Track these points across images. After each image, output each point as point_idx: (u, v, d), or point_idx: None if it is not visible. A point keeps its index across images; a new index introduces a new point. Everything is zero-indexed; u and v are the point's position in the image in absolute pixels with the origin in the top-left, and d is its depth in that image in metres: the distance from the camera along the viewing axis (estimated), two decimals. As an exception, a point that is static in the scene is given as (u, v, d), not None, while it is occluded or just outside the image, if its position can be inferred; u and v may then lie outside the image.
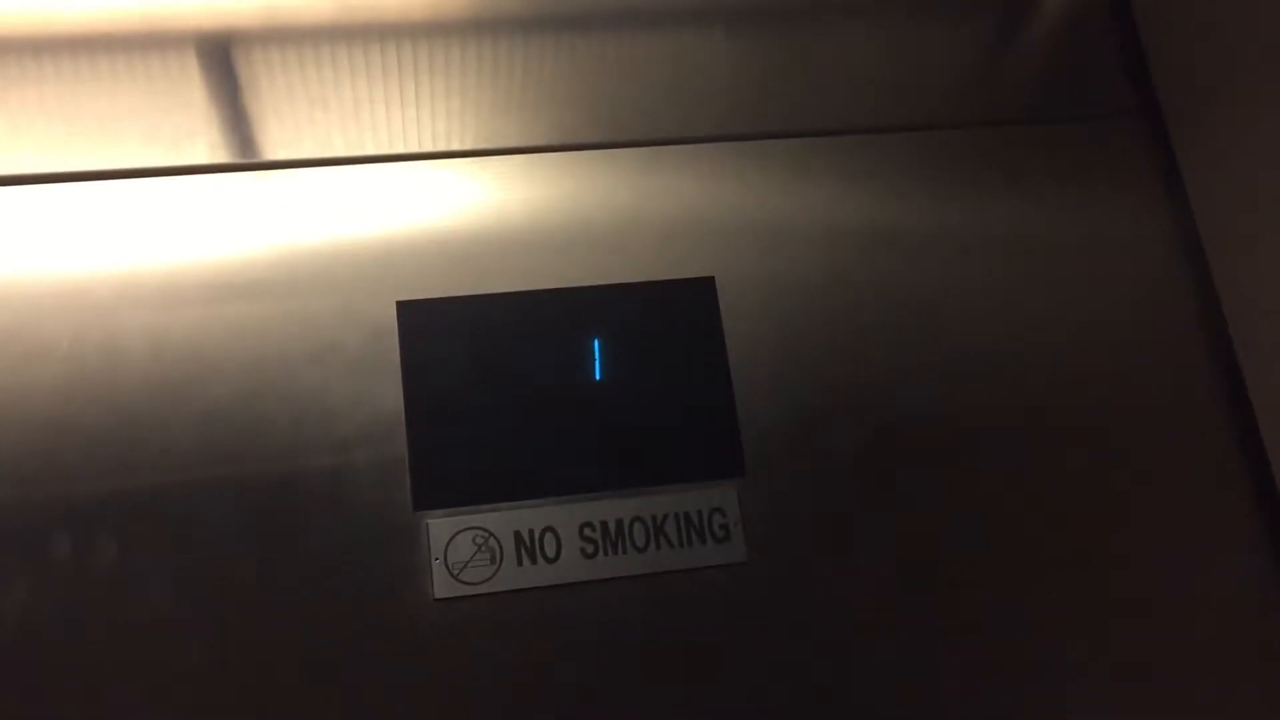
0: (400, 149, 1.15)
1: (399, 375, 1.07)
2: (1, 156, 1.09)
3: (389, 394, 1.07)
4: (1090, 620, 1.10)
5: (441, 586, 1.03)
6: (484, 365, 1.10)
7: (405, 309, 1.10)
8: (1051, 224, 1.21)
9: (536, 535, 1.06)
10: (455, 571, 1.03)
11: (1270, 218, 1.10)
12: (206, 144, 1.13)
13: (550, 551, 1.05)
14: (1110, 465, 1.14)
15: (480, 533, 1.05)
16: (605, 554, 1.06)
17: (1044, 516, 1.12)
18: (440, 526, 1.04)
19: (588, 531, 1.06)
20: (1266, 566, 1.13)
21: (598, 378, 1.11)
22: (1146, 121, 1.25)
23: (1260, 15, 1.11)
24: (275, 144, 1.14)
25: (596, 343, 1.12)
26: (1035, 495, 1.13)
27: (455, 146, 1.16)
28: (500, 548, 1.05)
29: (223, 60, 1.16)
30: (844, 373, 1.13)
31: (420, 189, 1.14)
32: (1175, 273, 1.21)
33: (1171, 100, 1.23)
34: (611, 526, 1.07)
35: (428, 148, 1.16)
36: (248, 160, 1.13)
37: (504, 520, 1.06)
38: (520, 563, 1.05)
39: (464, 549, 1.04)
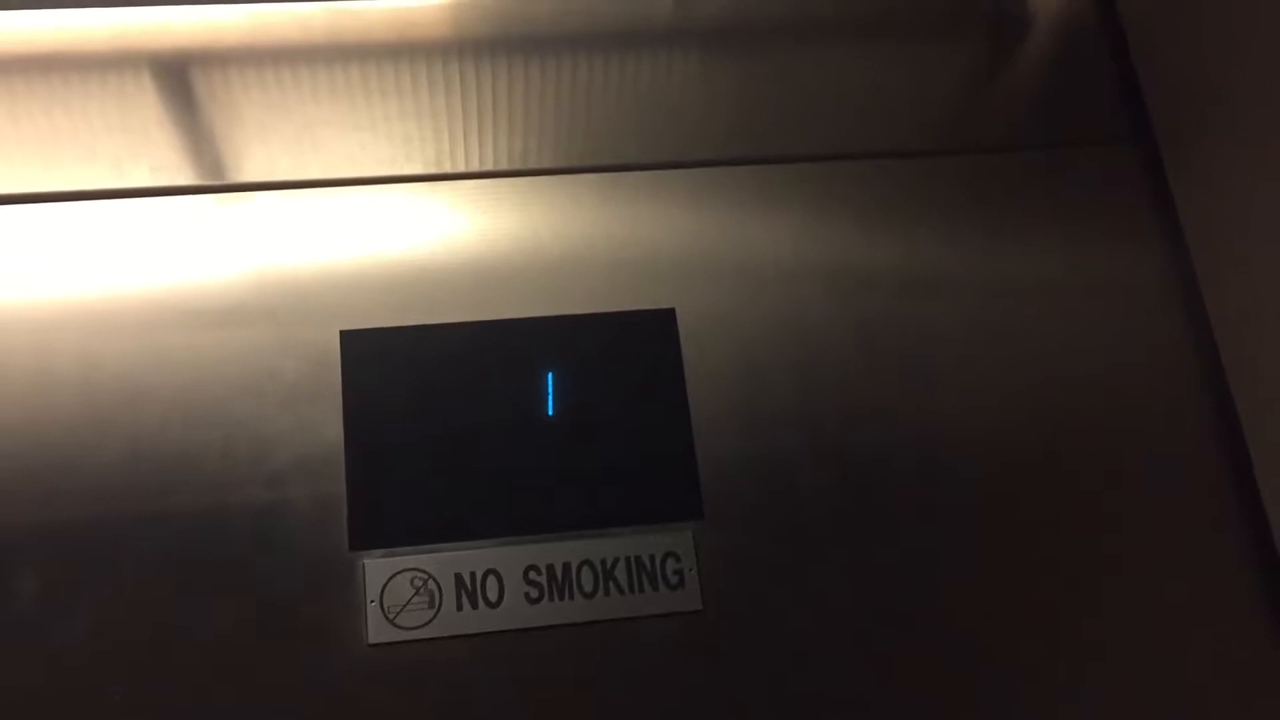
0: (347, 173, 1.11)
1: (339, 407, 1.03)
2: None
3: (328, 426, 1.02)
4: (1062, 664, 1.03)
5: (376, 631, 0.97)
6: (430, 398, 1.04)
7: (349, 338, 1.05)
8: (1036, 255, 1.15)
9: (479, 578, 1.00)
10: (391, 615, 0.98)
11: (1265, 246, 1.04)
12: (149, 166, 1.09)
13: (493, 595, 1.00)
14: (1087, 507, 1.08)
15: (419, 574, 0.99)
16: (550, 599, 1.00)
17: (1012, 560, 1.05)
18: (377, 567, 0.99)
19: (533, 575, 1.01)
20: (1258, 607, 1.06)
21: (550, 413, 1.06)
22: (1139, 148, 1.19)
23: (1254, 43, 1.05)
24: (218, 167, 1.10)
25: (549, 376, 1.06)
26: (1003, 539, 1.06)
27: (404, 171, 1.12)
28: (440, 590, 0.99)
29: (165, 81, 1.13)
30: (808, 412, 1.07)
31: (367, 214, 1.09)
32: (1167, 302, 1.14)
33: (1165, 127, 1.17)
34: (558, 570, 1.01)
35: (375, 172, 1.11)
36: (189, 183, 1.09)
37: (444, 561, 1.00)
38: (460, 607, 0.99)
39: (401, 591, 0.99)
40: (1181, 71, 1.15)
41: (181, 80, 1.12)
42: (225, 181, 1.09)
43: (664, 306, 1.09)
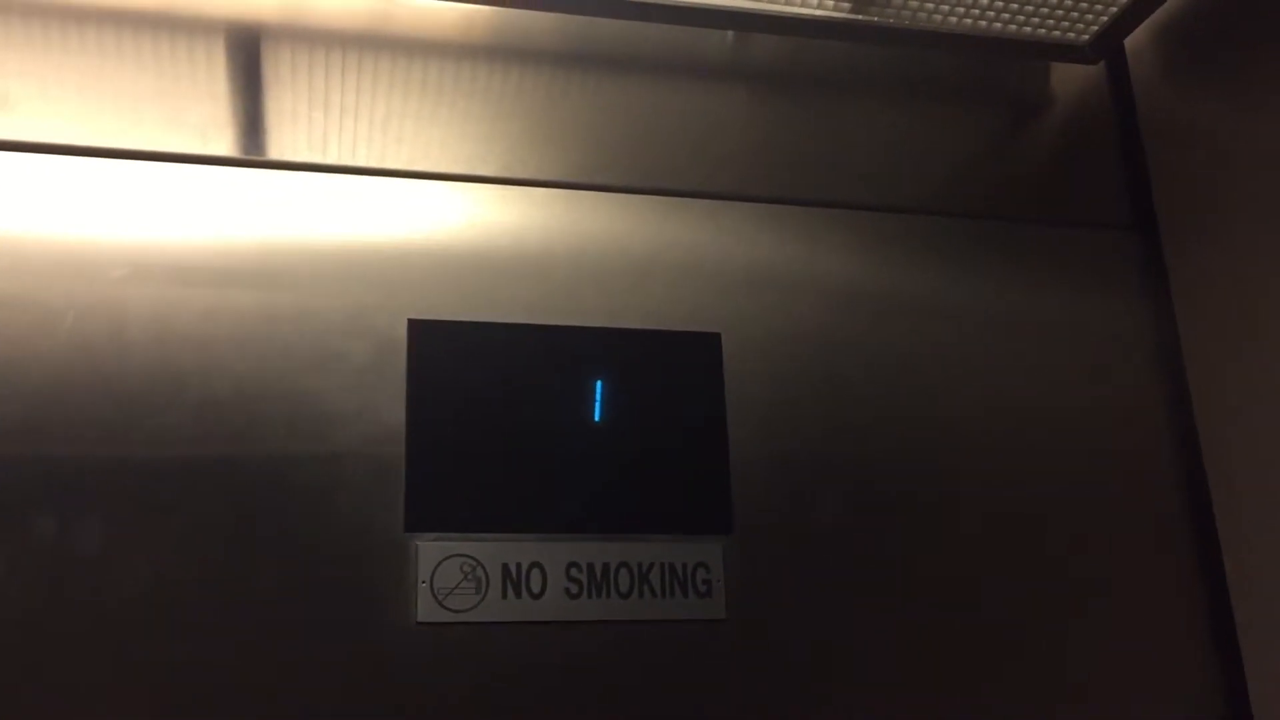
0: (424, 167, 1.15)
1: (402, 392, 1.07)
2: (27, 123, 1.07)
3: (391, 410, 1.06)
4: (1069, 661, 1.14)
5: (426, 610, 1.02)
6: (488, 393, 1.09)
7: (416, 327, 1.09)
8: (1044, 319, 1.26)
9: (524, 569, 1.05)
10: (440, 597, 1.02)
11: (1253, 342, 1.16)
12: (230, 137, 1.11)
13: (536, 587, 1.05)
14: (1082, 533, 1.19)
15: (469, 560, 1.04)
16: (589, 595, 1.06)
17: (1029, 587, 1.15)
18: (430, 550, 1.03)
19: (574, 571, 1.06)
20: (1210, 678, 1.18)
21: (596, 419, 1.11)
22: (1142, 236, 1.30)
23: (1263, 145, 1.16)
24: (300, 147, 1.13)
25: (599, 385, 1.12)
26: (1020, 566, 1.16)
27: (479, 171, 1.16)
28: (487, 577, 1.04)
29: (253, 55, 1.15)
30: (839, 442, 1.16)
31: (442, 208, 1.14)
32: (1153, 380, 1.26)
33: (1169, 220, 1.28)
34: (598, 569, 1.07)
35: (451, 169, 1.16)
36: (270, 158, 1.11)
37: (493, 550, 1.05)
38: (505, 595, 1.04)
39: (451, 575, 1.03)
40: (1192, 171, 1.26)
41: (272, 56, 1.15)
42: (305, 160, 1.12)
43: (711, 330, 1.16)
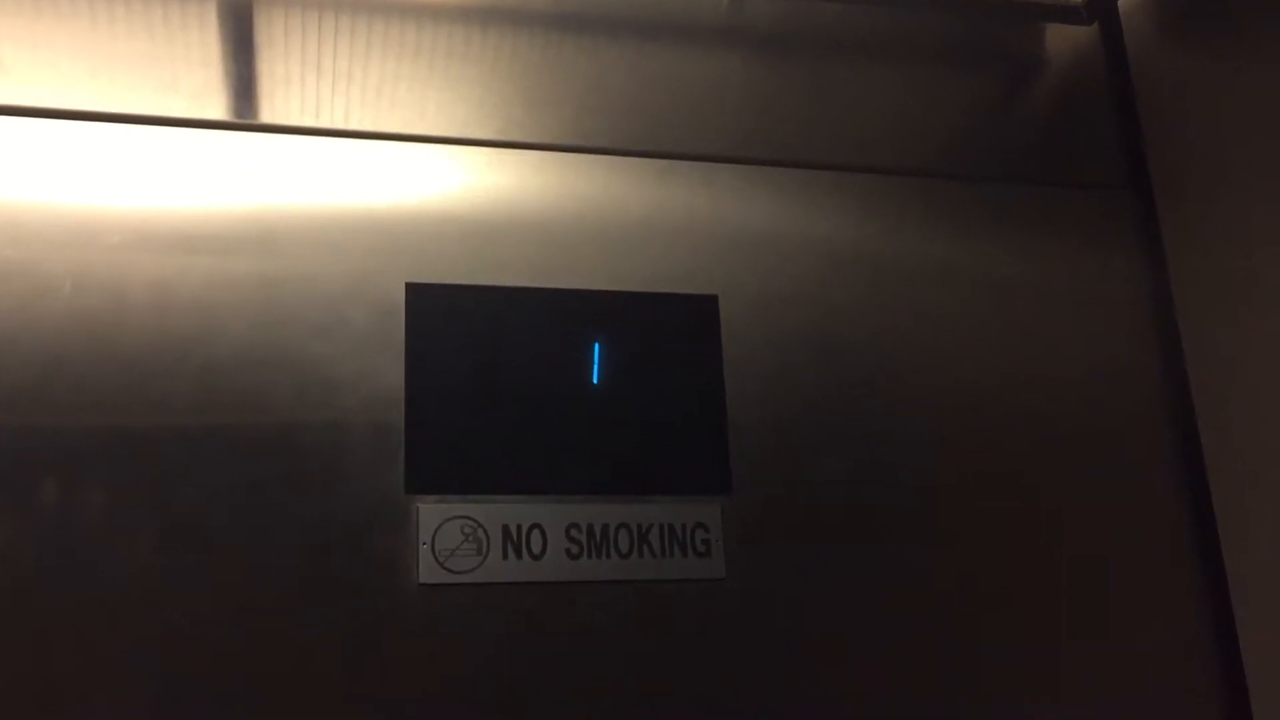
0: (420, 131, 1.15)
1: (402, 356, 1.07)
2: (20, 88, 1.06)
3: (391, 374, 1.06)
4: (1064, 632, 1.15)
5: (427, 572, 1.02)
6: (487, 356, 1.10)
7: (415, 291, 1.09)
8: (1038, 278, 1.26)
9: (524, 531, 1.06)
10: (442, 558, 1.03)
11: (1247, 300, 1.16)
12: (225, 100, 1.11)
13: (536, 548, 1.06)
14: (1079, 495, 1.19)
15: (469, 522, 1.05)
16: (590, 556, 1.06)
17: (1026, 542, 1.16)
18: (431, 512, 1.04)
19: (574, 532, 1.07)
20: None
21: (595, 381, 1.12)
22: (1136, 196, 1.30)
23: (1256, 105, 1.17)
24: (295, 110, 1.12)
25: (597, 347, 1.13)
26: (1016, 526, 1.17)
27: (476, 135, 1.16)
28: (488, 539, 1.05)
29: (246, 19, 1.15)
30: (836, 401, 1.16)
31: (438, 172, 1.14)
32: (1147, 339, 1.26)
33: (1163, 180, 1.28)
34: (597, 530, 1.07)
35: (448, 133, 1.15)
36: (268, 122, 1.11)
37: (493, 512, 1.05)
38: (506, 556, 1.05)
39: (452, 536, 1.04)
40: (1186, 130, 1.26)
41: (265, 20, 1.14)
42: (300, 124, 1.12)
43: (709, 292, 1.16)
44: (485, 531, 1.05)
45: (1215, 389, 1.21)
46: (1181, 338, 1.24)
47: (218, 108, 1.11)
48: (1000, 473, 1.18)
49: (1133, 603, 1.17)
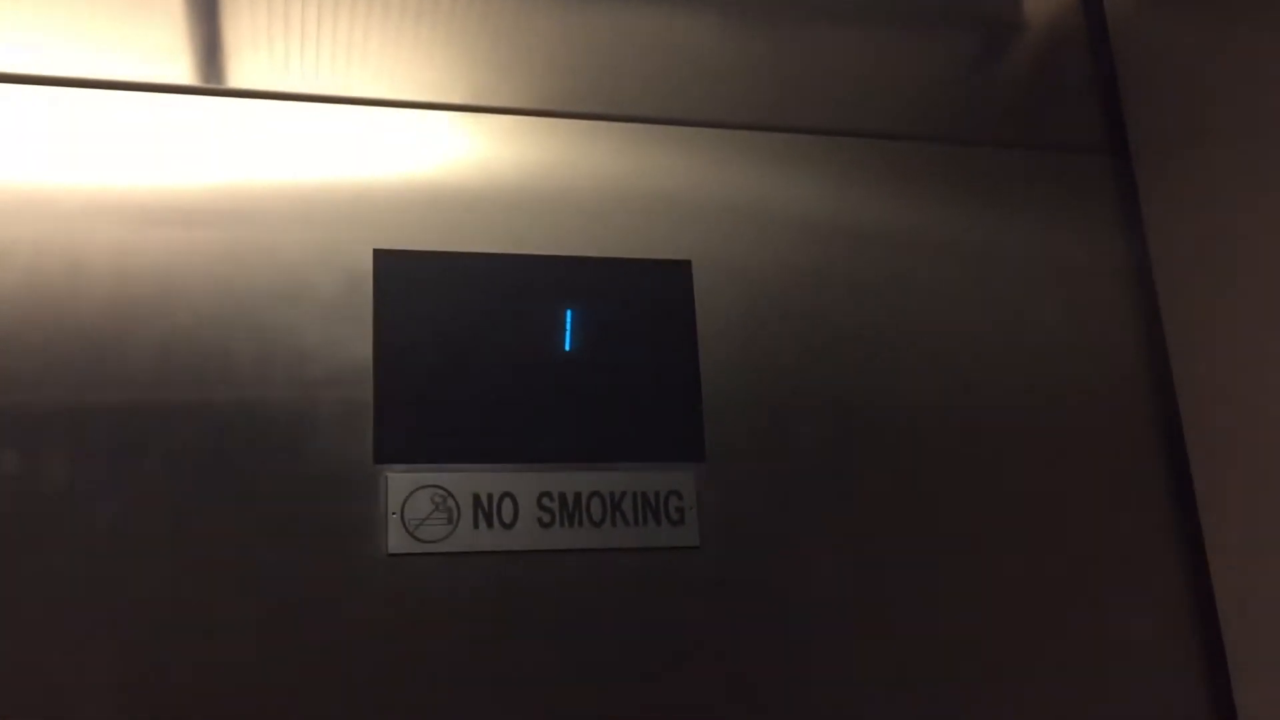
0: (388, 94, 1.13)
1: (370, 324, 1.05)
2: (-24, 50, 1.04)
3: (360, 342, 1.05)
4: (1038, 596, 1.14)
5: (397, 541, 1.01)
6: (456, 324, 1.08)
7: (382, 258, 1.07)
8: (1016, 241, 1.25)
9: (495, 500, 1.05)
10: (411, 528, 1.02)
11: (1225, 264, 1.16)
12: (186, 63, 1.09)
13: (508, 517, 1.05)
14: (1054, 463, 1.19)
15: (439, 491, 1.03)
16: (562, 525, 1.05)
17: (1000, 512, 1.16)
18: (400, 481, 1.02)
19: (546, 501, 1.06)
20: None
21: (567, 348, 1.10)
22: (1112, 159, 1.29)
23: (1235, 71, 1.16)
24: (260, 73, 1.10)
25: (569, 314, 1.11)
26: (993, 490, 1.16)
27: (445, 99, 1.14)
28: (458, 508, 1.03)
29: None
30: (810, 367, 1.15)
31: (406, 137, 1.12)
32: (1125, 303, 1.25)
33: (1141, 143, 1.27)
34: (570, 498, 1.06)
35: (418, 96, 1.13)
36: (230, 86, 1.09)
37: (464, 481, 1.04)
38: (477, 525, 1.03)
39: (422, 506, 1.03)
40: (1163, 92, 1.25)
41: (229, -20, 1.12)
42: (266, 88, 1.09)
43: (682, 258, 1.15)
44: (455, 501, 1.04)
45: (1191, 346, 1.20)
46: (1159, 302, 1.23)
47: (180, 70, 1.08)
48: (977, 438, 1.17)
49: (1107, 567, 1.17)
